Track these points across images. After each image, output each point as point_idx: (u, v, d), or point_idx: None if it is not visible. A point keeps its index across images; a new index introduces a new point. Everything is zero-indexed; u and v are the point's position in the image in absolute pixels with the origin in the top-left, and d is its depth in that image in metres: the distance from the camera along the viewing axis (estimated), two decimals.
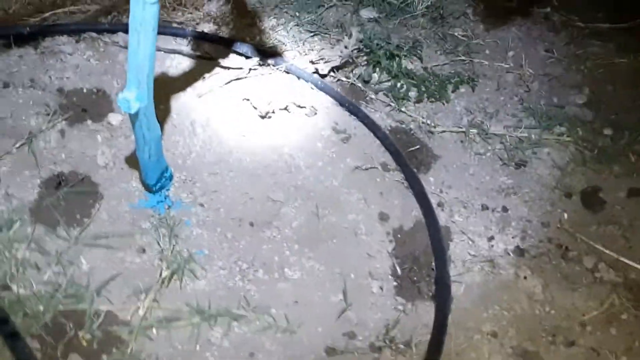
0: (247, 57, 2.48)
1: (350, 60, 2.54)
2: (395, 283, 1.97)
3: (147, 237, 1.95)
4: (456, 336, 1.86)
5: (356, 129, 2.36)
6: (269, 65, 2.47)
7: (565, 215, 2.18)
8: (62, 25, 2.50)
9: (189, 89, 2.38)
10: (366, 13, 2.81)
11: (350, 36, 2.52)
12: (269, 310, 1.85)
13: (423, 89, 2.52)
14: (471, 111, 2.50)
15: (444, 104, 2.52)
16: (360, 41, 2.55)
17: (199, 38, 2.55)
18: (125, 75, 1.67)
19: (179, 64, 2.47)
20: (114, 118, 2.24)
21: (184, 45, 2.53)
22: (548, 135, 2.42)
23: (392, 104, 2.47)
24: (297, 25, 2.68)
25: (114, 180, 2.08)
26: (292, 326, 1.82)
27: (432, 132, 2.40)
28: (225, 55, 2.51)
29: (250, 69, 2.44)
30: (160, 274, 1.86)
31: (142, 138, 1.80)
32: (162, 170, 2.01)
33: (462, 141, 2.40)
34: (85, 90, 2.31)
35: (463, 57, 2.70)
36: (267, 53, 2.51)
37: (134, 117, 1.71)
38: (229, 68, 2.46)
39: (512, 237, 2.11)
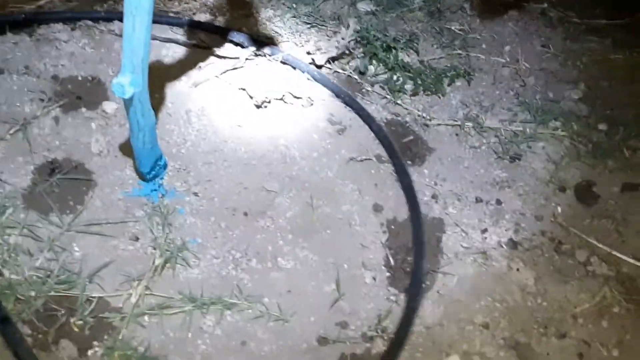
0: (243, 47, 2.47)
1: (347, 52, 2.54)
2: (388, 274, 1.97)
3: (141, 225, 1.95)
4: (448, 327, 1.87)
5: (352, 120, 2.36)
6: (265, 55, 2.46)
7: (559, 209, 2.19)
8: (57, 12, 2.49)
9: (184, 78, 2.37)
10: (363, 6, 2.81)
11: (347, 27, 2.52)
12: (262, 299, 1.85)
13: (419, 82, 2.52)
14: (467, 105, 2.51)
15: (439, 97, 2.52)
16: (357, 32, 2.55)
17: (195, 27, 2.54)
18: (120, 63, 1.66)
19: (175, 53, 2.46)
20: (108, 106, 2.23)
21: (180, 34, 2.52)
22: (543, 129, 2.42)
23: (388, 97, 2.47)
24: (294, 16, 2.68)
25: (108, 168, 2.07)
26: (285, 315, 1.82)
27: (427, 125, 2.40)
28: (221, 45, 2.50)
29: (246, 59, 2.43)
30: (153, 262, 1.85)
31: (136, 125, 1.79)
32: (156, 159, 2.00)
33: (457, 134, 2.40)
34: (80, 78, 2.30)
35: (459, 51, 2.70)
36: (264, 43, 2.50)
37: (128, 103, 1.70)
38: (225, 57, 2.45)
39: (506, 230, 2.12)
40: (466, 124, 2.41)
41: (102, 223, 1.93)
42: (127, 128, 2.00)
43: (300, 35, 2.61)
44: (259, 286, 1.88)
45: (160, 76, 2.33)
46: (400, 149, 2.30)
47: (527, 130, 2.40)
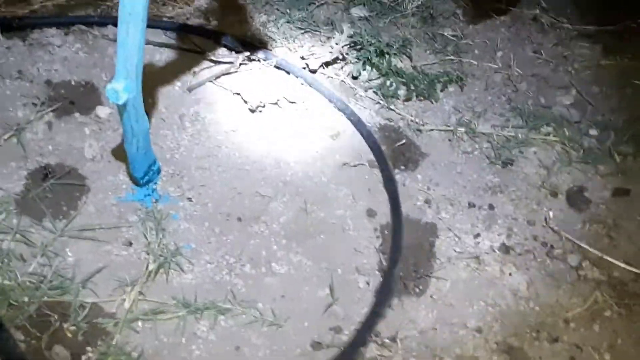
0: (238, 52, 2.48)
1: (341, 57, 2.55)
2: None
3: (134, 230, 1.95)
4: (441, 331, 1.88)
5: (345, 125, 2.37)
6: (259, 60, 2.47)
7: (551, 214, 2.20)
8: (50, 17, 2.48)
9: (178, 83, 2.37)
10: (357, 11, 2.82)
11: (341, 32, 2.53)
12: (256, 304, 1.86)
13: (412, 87, 2.54)
14: (459, 110, 2.52)
15: (432, 103, 2.54)
16: (351, 37, 2.56)
17: (190, 32, 2.54)
18: (114, 68, 1.66)
19: (169, 58, 2.46)
20: (102, 111, 2.23)
21: (174, 39, 2.52)
22: (535, 134, 2.44)
23: (381, 102, 2.48)
24: (288, 22, 2.68)
25: (101, 173, 2.07)
26: (279, 320, 1.82)
27: (420, 131, 2.42)
28: (215, 50, 2.51)
29: (240, 64, 2.44)
30: (147, 267, 1.85)
31: (130, 130, 1.80)
32: (150, 164, 2.00)
33: (450, 140, 2.41)
34: (73, 83, 2.29)
35: (452, 57, 2.71)
36: (258, 48, 2.51)
37: (122, 108, 1.70)
38: (219, 62, 2.45)
39: (498, 235, 2.13)
40: (459, 129, 2.42)
41: (96, 228, 1.92)
42: (120, 133, 2.00)
43: (294, 41, 2.62)
44: (252, 291, 1.89)
45: (154, 81, 2.33)
46: (394, 154, 2.32)
47: (519, 135, 2.42)
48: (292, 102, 2.38)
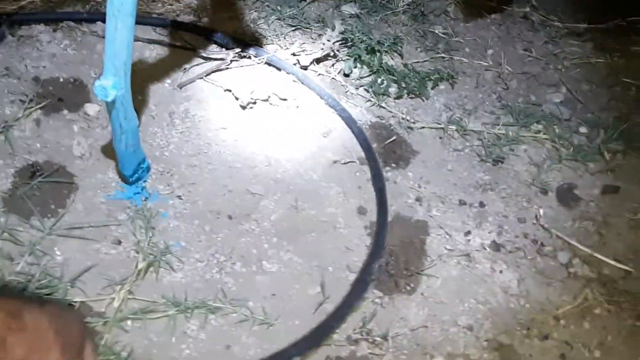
0: (228, 49, 2.47)
1: (332, 53, 2.54)
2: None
3: (123, 229, 1.93)
4: (432, 329, 1.88)
5: (336, 122, 2.36)
6: (250, 56, 2.46)
7: (541, 211, 2.21)
8: (39, 13, 2.46)
9: (168, 80, 2.36)
10: (348, 8, 2.81)
11: (333, 29, 2.52)
12: (246, 302, 1.85)
13: (403, 85, 2.54)
14: (450, 108, 2.52)
15: (423, 101, 2.53)
16: (342, 33, 2.56)
17: (180, 28, 2.53)
18: (103, 65, 1.64)
19: (159, 55, 2.44)
20: (90, 108, 2.21)
21: (164, 35, 2.50)
22: (525, 132, 2.45)
23: (373, 100, 2.48)
24: (279, 19, 2.67)
25: (90, 171, 2.05)
26: (270, 319, 1.82)
27: (411, 128, 2.41)
28: (206, 47, 2.49)
29: (231, 60, 2.43)
30: (136, 266, 1.84)
31: (118, 128, 1.78)
32: (139, 162, 1.99)
33: (440, 137, 2.41)
34: (61, 80, 2.27)
35: (443, 55, 2.71)
36: (248, 45, 2.50)
37: (110, 106, 1.69)
38: (209, 59, 2.44)
39: (489, 232, 2.13)
40: (449, 127, 2.42)
41: (84, 227, 1.91)
42: (109, 130, 1.98)
43: (284, 38, 2.61)
44: (243, 290, 1.88)
45: (143, 78, 2.31)
46: (385, 151, 2.31)
47: (510, 133, 2.42)
48: (283, 99, 2.37)
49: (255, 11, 2.69)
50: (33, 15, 2.44)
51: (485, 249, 2.09)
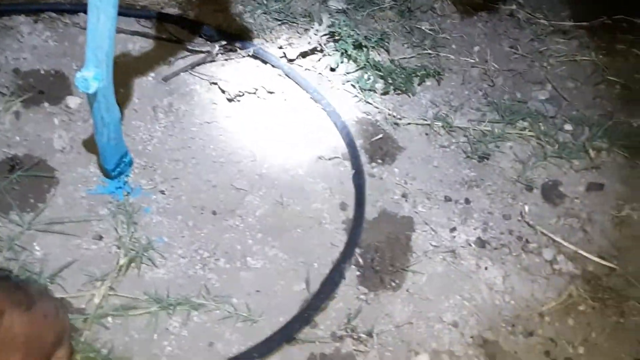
0: (214, 42, 2.43)
1: (319, 48, 2.52)
2: (358, 272, 1.96)
3: (105, 224, 1.90)
4: (417, 326, 1.87)
5: (321, 117, 2.34)
6: (236, 50, 2.43)
7: (526, 208, 2.21)
8: (19, 4, 2.41)
9: (152, 73, 2.32)
10: (334, 3, 2.79)
11: (320, 23, 2.50)
12: (230, 299, 1.82)
13: (390, 80, 2.52)
14: (436, 104, 2.51)
15: (410, 97, 2.52)
16: (330, 26, 2.54)
17: (165, 20, 2.49)
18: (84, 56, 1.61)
19: (143, 47, 2.40)
20: (72, 101, 2.17)
21: (148, 28, 2.46)
22: (511, 129, 2.45)
23: (359, 95, 2.46)
24: (265, 12, 2.65)
25: (71, 165, 2.02)
26: (254, 315, 1.80)
27: (397, 124, 2.40)
28: (191, 39, 2.46)
29: (217, 53, 2.39)
30: (118, 262, 1.81)
31: (100, 120, 1.75)
32: (121, 155, 1.95)
33: (427, 134, 2.40)
34: (42, 72, 2.23)
35: (429, 51, 2.70)
36: (235, 38, 2.47)
37: (92, 98, 1.65)
38: (195, 52, 2.41)
39: (474, 229, 2.13)
40: (436, 123, 2.42)
41: (65, 222, 1.87)
42: (91, 124, 1.94)
43: (271, 32, 2.58)
44: (227, 286, 1.85)
45: (126, 70, 2.27)
46: (371, 147, 2.30)
47: (496, 130, 2.42)
48: (270, 92, 2.35)
49: (241, 4, 2.66)
50: (13, 5, 2.39)
51: (470, 245, 2.08)
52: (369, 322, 1.84)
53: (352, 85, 2.49)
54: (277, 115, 2.32)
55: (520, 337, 1.89)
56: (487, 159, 2.34)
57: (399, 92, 2.52)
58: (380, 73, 2.53)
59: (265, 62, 2.44)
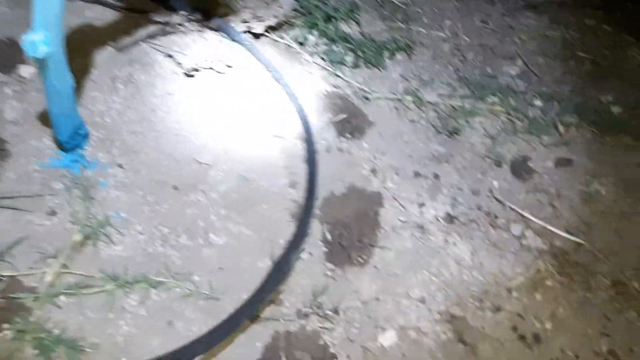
0: (176, 12, 2.33)
1: (286, 21, 2.44)
2: (325, 249, 1.91)
3: (59, 199, 1.81)
4: (385, 302, 1.83)
5: (280, 93, 2.26)
6: (198, 21, 2.33)
7: (495, 184, 2.18)
8: None
9: (111, 43, 2.21)
10: None
11: None
12: (192, 277, 1.76)
13: (360, 54, 2.46)
14: (407, 78, 2.46)
15: (380, 71, 2.46)
16: (297, 0, 2.45)
17: None
18: None
19: (101, 16, 2.28)
20: (25, 70, 2.05)
21: None
22: (481, 104, 2.41)
23: (329, 68, 2.40)
24: None
25: (24, 137, 1.91)
26: (216, 293, 1.74)
27: (367, 98, 2.35)
28: (152, 9, 2.34)
29: (177, 24, 2.29)
30: (72, 238, 1.72)
31: (52, 88, 1.64)
32: (76, 127, 1.85)
33: (397, 108, 2.35)
34: None
35: (401, 24, 2.65)
36: (197, 9, 2.36)
37: (41, 64, 1.55)
38: (155, 22, 2.30)
39: (443, 204, 2.10)
40: (406, 97, 2.37)
41: (16, 196, 1.77)
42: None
43: (237, 2, 2.48)
44: (188, 263, 1.79)
45: (84, 40, 2.16)
46: (340, 122, 2.24)
47: (466, 105, 2.39)
48: (229, 67, 2.26)
49: None
50: None
51: (439, 220, 2.05)
52: (336, 299, 1.80)
53: (321, 57, 2.42)
54: (239, 90, 2.23)
55: (488, 312, 1.88)
56: (457, 134, 2.31)
57: (370, 65, 2.46)
58: (350, 46, 2.47)
59: (227, 35, 2.34)
